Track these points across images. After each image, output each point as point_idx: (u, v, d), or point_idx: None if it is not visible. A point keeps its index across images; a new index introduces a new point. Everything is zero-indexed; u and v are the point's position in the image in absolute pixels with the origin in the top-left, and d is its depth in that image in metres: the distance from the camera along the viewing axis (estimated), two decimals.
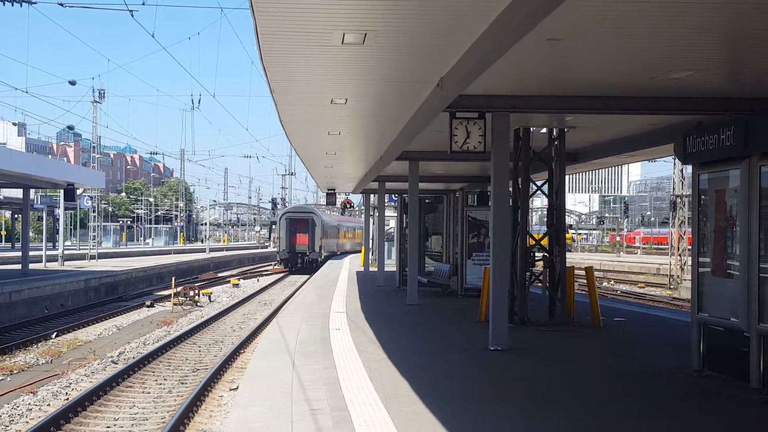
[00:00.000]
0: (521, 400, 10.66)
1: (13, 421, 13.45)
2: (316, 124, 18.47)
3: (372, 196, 42.36)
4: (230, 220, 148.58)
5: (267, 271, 62.75)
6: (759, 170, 11.09)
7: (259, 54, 11.12)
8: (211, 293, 38.43)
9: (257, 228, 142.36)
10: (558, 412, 10.00)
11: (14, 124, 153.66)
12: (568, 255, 20.25)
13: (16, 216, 78.23)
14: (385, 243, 40.62)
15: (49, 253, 47.89)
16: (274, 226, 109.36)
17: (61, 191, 42.66)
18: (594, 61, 11.61)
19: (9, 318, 27.39)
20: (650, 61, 11.42)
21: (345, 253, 76.40)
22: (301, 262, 58.06)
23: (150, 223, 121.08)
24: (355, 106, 15.68)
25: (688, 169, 12.36)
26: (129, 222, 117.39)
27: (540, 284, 20.29)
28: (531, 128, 18.46)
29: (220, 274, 56.61)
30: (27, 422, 13.33)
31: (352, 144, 22.25)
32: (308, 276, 48.93)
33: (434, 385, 11.36)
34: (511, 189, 18.03)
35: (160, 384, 16.82)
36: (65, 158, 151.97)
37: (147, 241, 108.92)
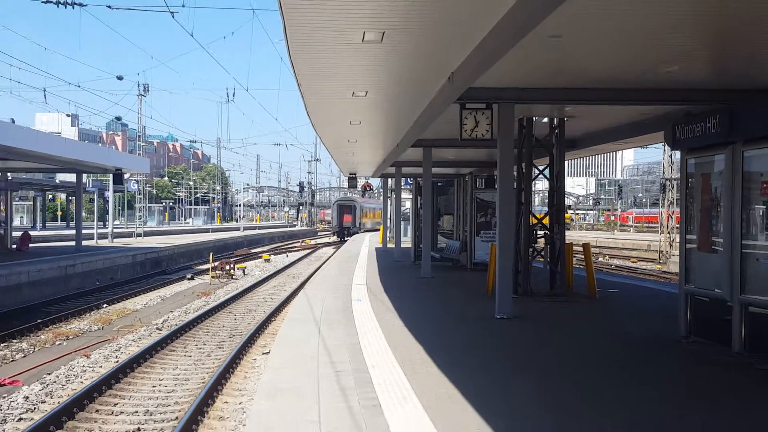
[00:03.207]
0: (524, 363, 10.68)
1: (69, 380, 13.60)
2: (339, 115, 18.48)
3: (390, 179, 42.30)
4: (262, 202, 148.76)
5: (295, 247, 62.92)
6: (742, 155, 11.08)
7: (288, 51, 11.13)
8: (245, 267, 38.61)
9: (286, 209, 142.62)
10: (556, 373, 10.03)
11: (68, 115, 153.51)
12: (567, 233, 20.18)
13: (70, 198, 78.72)
14: (402, 222, 40.66)
15: (99, 231, 48.28)
16: (302, 207, 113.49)
17: (111, 176, 42.87)
18: (591, 56, 11.55)
19: (65, 289, 27.63)
20: (642, 56, 11.36)
21: (377, 230, 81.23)
22: (347, 234, 74.10)
23: (190, 205, 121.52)
24: (374, 99, 15.68)
25: (677, 154, 12.24)
26: (171, 203, 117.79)
27: (542, 259, 20.28)
28: (534, 118, 18.40)
29: (252, 250, 56.79)
30: (82, 382, 13.47)
31: (372, 133, 22.25)
32: (334, 251, 49.10)
33: (445, 350, 11.40)
34: (515, 173, 18.00)
35: (200, 348, 16.94)
36: (114, 146, 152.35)
37: (187, 220, 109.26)
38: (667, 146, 35.39)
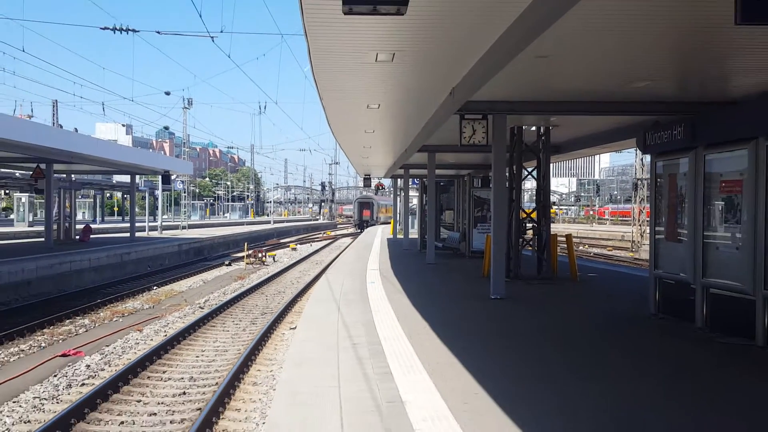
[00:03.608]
0: (515, 336, 10.69)
1: (124, 351, 13.72)
2: (355, 124, 18.51)
3: (399, 179, 42.30)
4: (289, 199, 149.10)
5: (318, 238, 62.97)
6: (703, 158, 11.09)
7: (312, 70, 11.16)
8: (275, 255, 38.73)
9: (310, 205, 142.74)
10: (543, 345, 10.03)
11: (123, 125, 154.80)
12: (552, 225, 20.17)
13: (125, 196, 78.96)
14: (409, 216, 40.67)
15: (150, 224, 48.55)
16: (323, 204, 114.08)
17: (160, 177, 42.93)
18: (573, 74, 11.53)
19: (121, 273, 27.81)
20: (616, 74, 11.34)
21: (389, 222, 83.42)
22: (366, 225, 76.68)
23: (227, 201, 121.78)
24: (386, 110, 15.70)
25: (647, 158, 12.26)
26: (211, 200, 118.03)
27: (530, 248, 20.27)
28: (523, 126, 18.39)
29: (281, 241, 56.87)
30: (135, 352, 13.59)
31: (384, 139, 22.27)
32: (351, 241, 49.13)
33: (447, 325, 11.42)
34: (507, 174, 18.00)
35: (237, 324, 17.02)
36: (162, 151, 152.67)
37: (225, 215, 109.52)
38: (638, 151, 35.28)
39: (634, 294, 15.75)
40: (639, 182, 47.82)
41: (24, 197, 52.02)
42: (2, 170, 43.41)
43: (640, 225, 46.34)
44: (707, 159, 11.05)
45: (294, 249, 46.26)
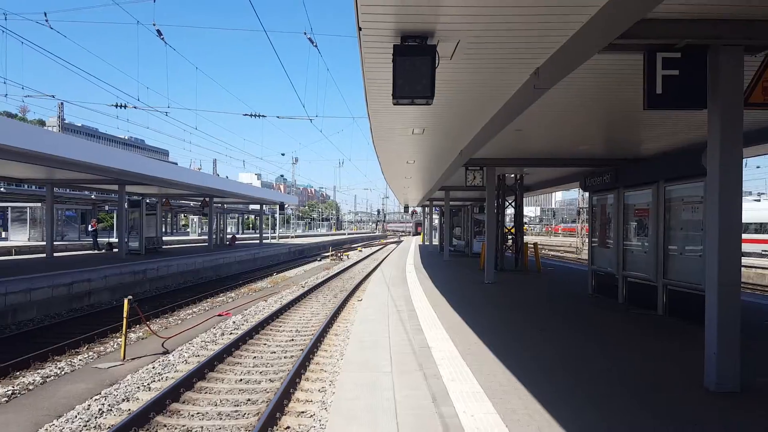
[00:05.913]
0: (499, 306, 10.58)
1: (257, 313, 13.92)
2: (398, 173, 18.62)
3: (426, 208, 42.29)
4: (357, 220, 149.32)
5: (375, 244, 62.95)
6: (623, 195, 10.90)
7: (372, 139, 11.33)
8: (348, 254, 38.83)
9: (370, 223, 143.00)
10: (517, 312, 9.90)
11: (256, 174, 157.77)
12: (524, 237, 19.91)
13: (257, 217, 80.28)
14: (433, 230, 40.45)
15: (272, 235, 49.11)
16: (378, 223, 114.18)
17: (278, 206, 43.71)
18: (538, 141, 11.47)
19: (254, 265, 28.25)
20: (566, 141, 11.24)
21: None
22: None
23: (319, 221, 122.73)
24: (419, 164, 15.78)
25: (587, 194, 12.04)
26: (309, 220, 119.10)
27: (510, 251, 20.05)
28: (506, 174, 18.28)
29: (352, 245, 57.03)
30: (263, 314, 13.75)
31: (417, 182, 22.33)
32: (396, 246, 49.01)
33: (457, 299, 11.36)
34: (495, 204, 17.87)
35: (325, 297, 17.12)
36: (279, 190, 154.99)
37: (318, 230, 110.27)
38: (581, 189, 34.57)
39: (577, 280, 15.43)
40: (581, 209, 46.79)
41: (195, 218, 53.45)
42: (183, 202, 44.70)
43: (581, 237, 45.28)
44: (625, 195, 10.86)
45: (360, 251, 46.24)
